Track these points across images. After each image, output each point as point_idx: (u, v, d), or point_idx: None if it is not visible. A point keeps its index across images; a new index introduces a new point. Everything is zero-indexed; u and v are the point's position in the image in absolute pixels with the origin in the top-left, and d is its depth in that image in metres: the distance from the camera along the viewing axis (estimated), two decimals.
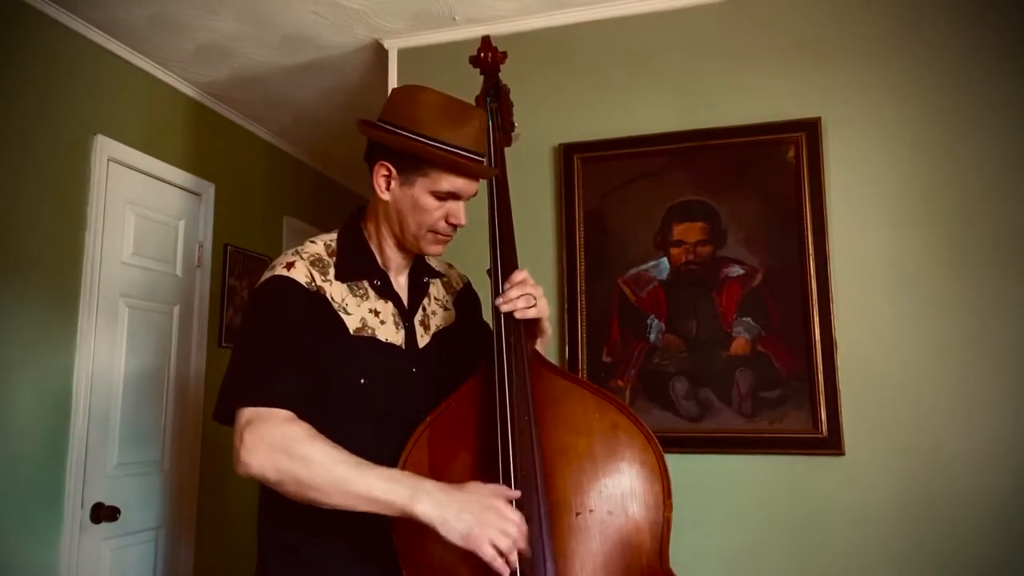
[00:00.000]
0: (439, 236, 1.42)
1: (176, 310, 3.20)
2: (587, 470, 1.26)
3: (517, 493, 1.21)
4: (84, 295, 2.70)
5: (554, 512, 1.22)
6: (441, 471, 1.27)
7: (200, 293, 3.34)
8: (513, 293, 1.37)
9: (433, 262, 1.59)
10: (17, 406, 2.44)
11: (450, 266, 1.67)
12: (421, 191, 1.38)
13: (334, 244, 1.45)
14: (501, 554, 1.13)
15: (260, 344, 1.31)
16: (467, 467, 1.26)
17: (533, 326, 1.43)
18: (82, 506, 2.64)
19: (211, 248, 3.40)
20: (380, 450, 1.31)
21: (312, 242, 1.44)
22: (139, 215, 3.01)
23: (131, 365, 2.92)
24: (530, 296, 1.37)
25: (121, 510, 2.75)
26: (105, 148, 2.82)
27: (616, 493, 1.24)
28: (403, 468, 1.28)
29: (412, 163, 1.37)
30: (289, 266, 1.36)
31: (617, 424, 1.28)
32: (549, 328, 1.50)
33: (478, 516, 1.14)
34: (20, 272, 2.47)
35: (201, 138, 3.39)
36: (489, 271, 1.45)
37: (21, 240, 2.49)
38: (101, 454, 2.75)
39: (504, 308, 1.36)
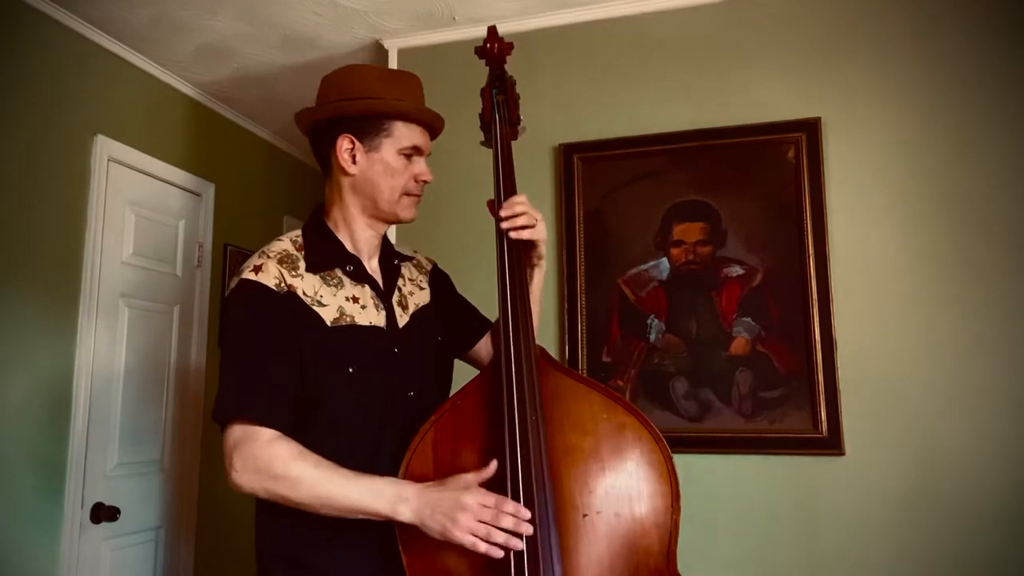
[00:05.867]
0: (412, 197, 1.47)
1: (176, 310, 3.20)
2: (594, 471, 1.25)
3: (492, 468, 1.22)
4: (84, 295, 2.70)
5: (561, 513, 1.22)
6: (446, 471, 1.26)
7: (200, 293, 3.33)
8: (514, 210, 1.39)
9: (400, 247, 1.62)
10: (17, 406, 2.43)
11: (415, 251, 1.69)
12: (389, 151, 1.42)
13: (300, 239, 1.46)
14: (486, 540, 1.16)
15: (239, 358, 1.32)
16: (473, 467, 1.25)
17: (530, 253, 1.47)
18: (82, 506, 2.64)
19: (211, 248, 3.40)
20: (375, 435, 1.34)
21: (279, 240, 1.45)
22: (139, 215, 3.01)
23: (131, 365, 2.92)
24: (529, 215, 1.40)
25: (121, 510, 2.75)
26: (105, 148, 2.81)
27: (624, 495, 1.24)
28: (408, 468, 1.28)
29: (374, 125, 1.41)
30: (257, 269, 1.36)
31: (625, 424, 1.27)
32: (543, 262, 1.53)
33: (449, 513, 1.17)
34: (20, 272, 2.47)
35: (201, 138, 3.39)
36: (490, 201, 1.47)
37: (21, 240, 2.48)
38: (101, 454, 2.75)
39: (504, 224, 1.39)
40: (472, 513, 1.17)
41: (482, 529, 1.16)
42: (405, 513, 1.20)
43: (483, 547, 1.16)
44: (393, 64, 2.89)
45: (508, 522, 1.17)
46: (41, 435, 2.52)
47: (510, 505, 1.18)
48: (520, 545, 1.17)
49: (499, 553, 1.16)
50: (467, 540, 1.16)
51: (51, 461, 2.56)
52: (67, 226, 2.67)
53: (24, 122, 2.51)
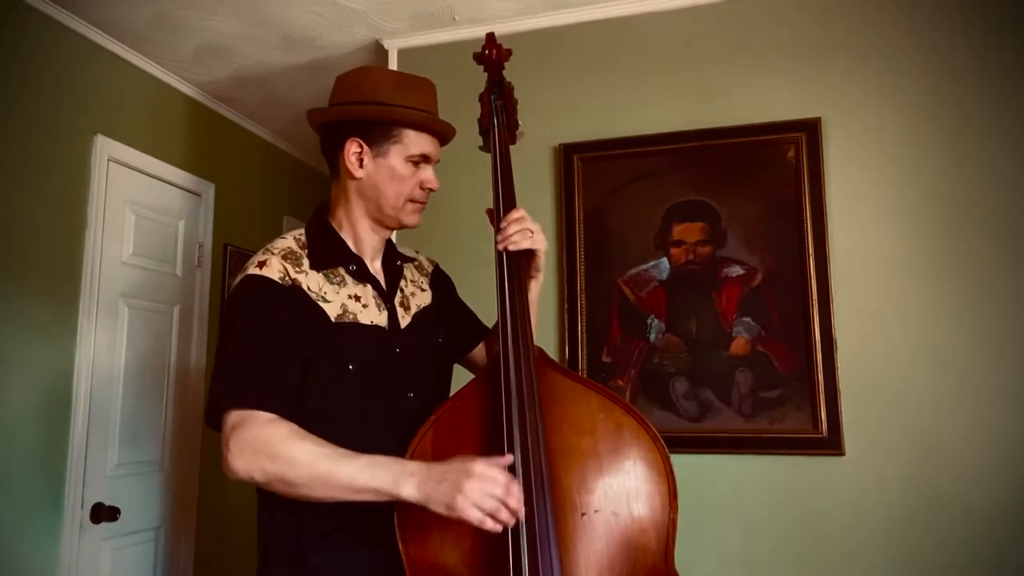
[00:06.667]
0: (417, 204, 1.47)
1: (176, 310, 3.20)
2: (592, 470, 1.25)
3: (508, 459, 1.19)
4: (84, 295, 2.70)
5: (559, 512, 1.22)
6: None
7: (200, 293, 3.34)
8: (511, 229, 1.40)
9: (402, 248, 1.62)
10: (17, 406, 2.43)
11: (417, 251, 1.69)
12: (396, 158, 1.42)
13: (303, 237, 1.46)
14: (492, 516, 1.13)
15: (240, 347, 1.31)
16: None
17: (530, 264, 1.47)
18: (82, 506, 2.64)
19: (211, 248, 3.40)
20: (373, 435, 1.32)
21: (282, 238, 1.45)
22: (139, 215, 3.01)
23: (131, 365, 2.92)
24: (526, 231, 1.40)
25: (121, 510, 2.75)
26: (105, 148, 2.81)
27: (622, 494, 1.24)
28: None
29: (384, 131, 1.41)
30: (262, 264, 1.36)
31: (622, 424, 1.28)
32: (541, 275, 1.53)
33: (458, 483, 1.13)
34: (20, 272, 2.47)
35: (201, 138, 3.39)
36: (489, 210, 1.49)
37: (21, 240, 2.48)
38: (101, 454, 2.75)
39: (500, 245, 1.40)
40: (479, 482, 1.13)
41: (489, 503, 1.12)
42: (408, 488, 1.16)
43: (489, 523, 1.12)
44: (393, 64, 2.89)
45: (515, 501, 1.14)
46: (41, 435, 2.52)
47: (516, 486, 1.15)
48: (521, 521, 1.15)
49: (500, 528, 1.14)
50: (473, 515, 1.12)
51: (51, 461, 2.56)
52: (67, 226, 2.67)
53: (24, 122, 2.51)
